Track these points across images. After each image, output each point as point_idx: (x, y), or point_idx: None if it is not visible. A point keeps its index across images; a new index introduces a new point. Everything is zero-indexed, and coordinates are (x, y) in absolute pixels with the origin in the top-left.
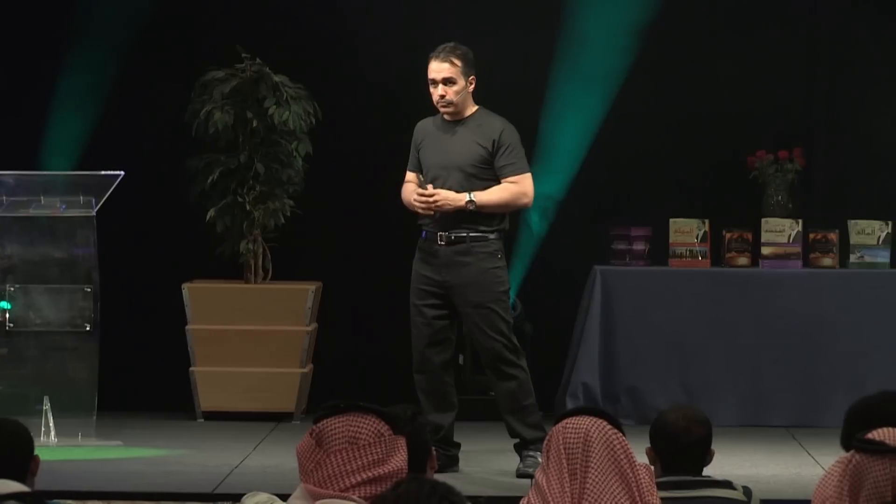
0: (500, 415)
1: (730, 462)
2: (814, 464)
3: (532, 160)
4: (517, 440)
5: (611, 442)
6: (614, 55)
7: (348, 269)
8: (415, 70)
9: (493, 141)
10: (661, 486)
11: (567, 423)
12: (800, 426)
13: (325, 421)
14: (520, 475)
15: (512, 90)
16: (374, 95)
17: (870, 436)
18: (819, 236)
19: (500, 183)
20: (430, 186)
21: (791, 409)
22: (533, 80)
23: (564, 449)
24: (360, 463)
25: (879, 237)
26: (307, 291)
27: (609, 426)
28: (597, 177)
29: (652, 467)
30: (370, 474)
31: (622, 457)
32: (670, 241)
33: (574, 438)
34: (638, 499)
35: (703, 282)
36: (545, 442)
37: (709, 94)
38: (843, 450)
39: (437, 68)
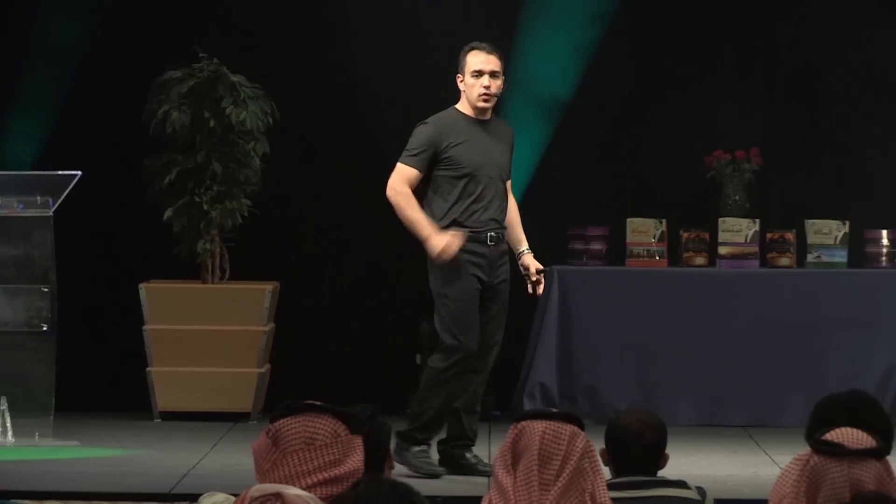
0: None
1: (687, 461)
2: (771, 463)
3: None
4: (468, 441)
5: (586, 455)
6: (572, 54)
7: (305, 269)
8: (372, 69)
9: (511, 145)
10: (614, 487)
11: (546, 429)
12: (757, 426)
13: (281, 421)
14: (480, 472)
15: None
16: (331, 95)
17: (828, 436)
18: (776, 236)
19: None
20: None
21: (748, 409)
22: None
23: (539, 455)
24: (316, 463)
25: (837, 237)
26: (264, 291)
27: (587, 439)
28: (554, 176)
29: (605, 468)
30: (327, 475)
31: (589, 470)
32: (627, 240)
33: (554, 448)
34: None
35: (660, 282)
36: (511, 439)
37: (666, 94)
38: (805, 444)
39: (487, 59)
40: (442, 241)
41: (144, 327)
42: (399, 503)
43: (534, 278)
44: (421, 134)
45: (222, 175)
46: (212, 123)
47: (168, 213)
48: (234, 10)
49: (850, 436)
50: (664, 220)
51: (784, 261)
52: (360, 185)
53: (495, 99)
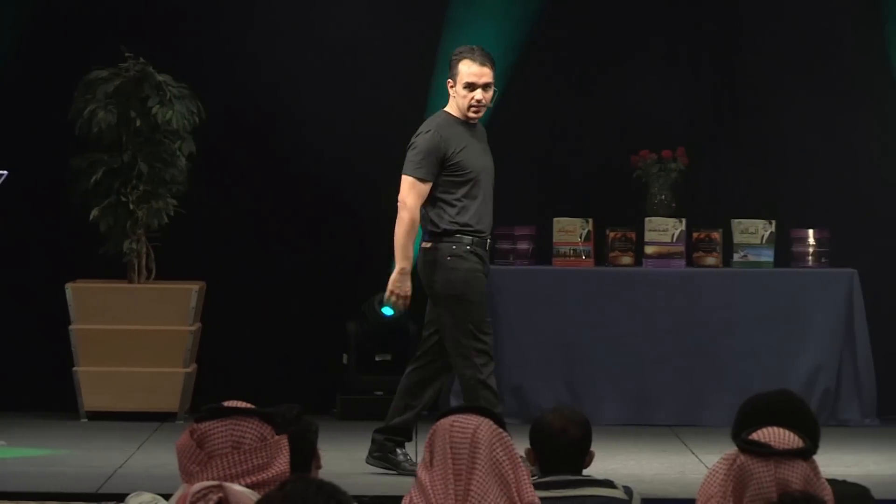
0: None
1: (614, 460)
2: (697, 462)
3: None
4: (406, 440)
5: (496, 442)
6: (498, 55)
7: (232, 269)
8: (297, 69)
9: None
10: (541, 487)
11: (454, 422)
12: (683, 425)
13: (207, 423)
14: (406, 470)
15: (396, 90)
16: (257, 94)
17: (754, 436)
18: (702, 235)
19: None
20: None
21: (675, 408)
22: (417, 79)
23: (451, 448)
24: (244, 467)
25: (763, 236)
26: (191, 291)
27: (496, 427)
28: None
29: (533, 467)
30: (255, 478)
31: (505, 458)
32: (554, 240)
33: (461, 438)
34: (517, 500)
35: (587, 281)
36: (428, 437)
37: (593, 94)
38: (731, 444)
39: (480, 72)
40: (407, 284)
41: (71, 327)
42: (326, 502)
43: None
44: (427, 143)
45: (148, 174)
46: (138, 123)
47: (94, 212)
48: (160, 9)
49: (777, 435)
50: (591, 220)
51: (710, 260)
52: (287, 185)
53: (484, 110)
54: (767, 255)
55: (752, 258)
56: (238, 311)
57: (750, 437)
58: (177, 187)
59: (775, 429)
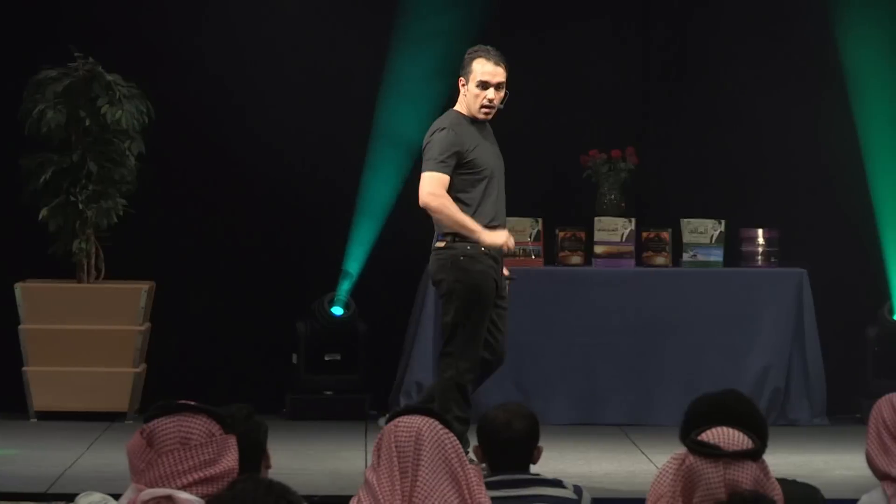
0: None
1: (563, 460)
2: (647, 462)
3: (369, 159)
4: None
5: (442, 441)
6: (448, 54)
7: (181, 269)
8: (247, 69)
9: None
10: (490, 486)
11: (399, 422)
12: (633, 424)
13: (155, 421)
14: None
15: (347, 90)
16: (206, 94)
17: (703, 436)
18: (652, 235)
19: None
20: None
21: (624, 408)
22: (369, 78)
23: (396, 447)
24: (191, 463)
25: (712, 236)
26: (140, 291)
27: (440, 426)
28: None
29: (483, 465)
30: (202, 474)
31: (453, 456)
32: None
33: (405, 437)
34: (468, 498)
35: (536, 281)
36: (376, 441)
37: (542, 93)
38: (681, 444)
39: (495, 71)
40: (501, 235)
41: (20, 327)
42: (276, 502)
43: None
44: (445, 140)
45: (98, 174)
46: (87, 123)
47: (43, 212)
48: (110, 8)
49: (726, 436)
50: (540, 220)
51: (660, 260)
52: (236, 185)
53: (495, 111)
54: (717, 255)
55: (701, 258)
56: (187, 311)
57: (699, 438)
58: (126, 187)
59: (725, 429)
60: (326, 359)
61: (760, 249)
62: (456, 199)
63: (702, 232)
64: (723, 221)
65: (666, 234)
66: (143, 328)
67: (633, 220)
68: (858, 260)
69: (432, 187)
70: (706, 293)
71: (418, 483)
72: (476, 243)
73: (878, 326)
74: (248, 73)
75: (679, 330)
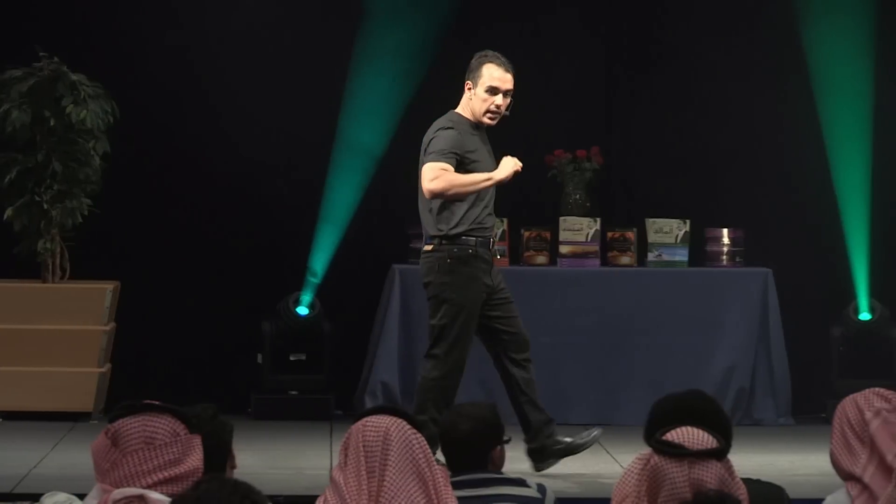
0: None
1: (528, 459)
2: (612, 461)
3: (334, 159)
4: (551, 424)
5: (409, 442)
6: (411, 54)
7: (146, 269)
8: (212, 68)
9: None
10: (454, 486)
11: (367, 422)
12: (598, 424)
13: (120, 421)
14: (577, 447)
15: (312, 89)
16: (171, 94)
17: (668, 436)
18: (617, 235)
19: None
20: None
21: (590, 408)
22: (331, 80)
23: (363, 447)
24: (156, 463)
25: (677, 236)
26: (105, 291)
27: (408, 426)
28: (395, 175)
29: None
30: (166, 474)
31: (420, 457)
32: None
33: (373, 437)
34: (434, 499)
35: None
36: (343, 440)
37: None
38: (646, 444)
39: (505, 79)
40: (507, 167)
41: None
42: (241, 502)
43: None
44: (449, 138)
45: (63, 174)
46: (52, 122)
47: (8, 212)
48: (74, 8)
49: (691, 436)
50: (505, 219)
51: (625, 260)
52: (201, 184)
53: (500, 117)
54: (682, 255)
55: (666, 258)
56: (152, 311)
57: (664, 438)
58: (91, 187)
59: (690, 429)
60: (291, 359)
61: (725, 249)
62: (448, 202)
63: (667, 232)
64: (688, 221)
65: (631, 234)
66: (108, 328)
67: (598, 219)
68: (823, 260)
69: (432, 173)
70: (671, 293)
71: (385, 483)
72: (465, 245)
73: (842, 326)
74: (213, 74)
75: (644, 330)
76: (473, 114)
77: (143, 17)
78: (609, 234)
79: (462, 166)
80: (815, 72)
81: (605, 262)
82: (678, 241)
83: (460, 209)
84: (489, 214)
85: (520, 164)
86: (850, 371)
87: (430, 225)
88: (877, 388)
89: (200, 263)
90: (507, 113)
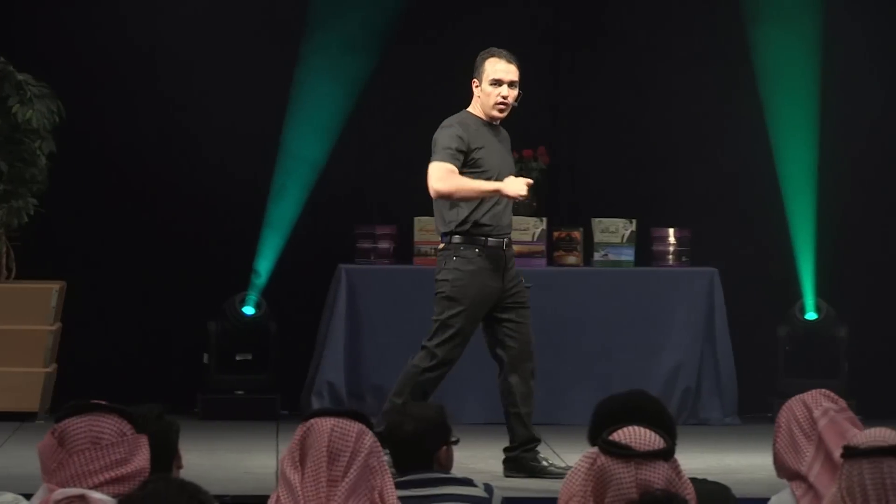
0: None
1: (475, 459)
2: (559, 461)
3: (278, 157)
4: (536, 443)
5: (374, 452)
6: (357, 53)
7: (92, 269)
8: (158, 71)
9: (510, 150)
10: (400, 486)
11: (335, 426)
12: (544, 423)
13: (66, 421)
14: (552, 473)
15: (260, 90)
16: (118, 94)
17: (615, 436)
18: (563, 234)
19: None
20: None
21: (536, 407)
22: (277, 80)
23: (328, 452)
24: (102, 463)
25: (623, 235)
26: (51, 290)
27: (375, 437)
28: (342, 175)
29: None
30: (113, 474)
31: (376, 466)
32: (415, 239)
33: (342, 445)
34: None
35: None
36: (300, 433)
37: (452, 92)
38: (589, 446)
39: (507, 69)
40: (517, 187)
41: None
42: (188, 502)
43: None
44: (451, 135)
45: (8, 174)
46: None
47: None
48: (19, 8)
49: (638, 435)
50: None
51: (571, 259)
52: (148, 184)
53: (510, 108)
54: (628, 255)
55: (612, 257)
56: (99, 311)
57: (610, 438)
58: (37, 186)
59: (636, 428)
60: (238, 358)
61: (671, 249)
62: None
63: (613, 231)
64: (634, 221)
65: (577, 234)
66: (54, 328)
67: (544, 219)
68: (769, 259)
69: (438, 174)
70: (617, 293)
71: (338, 491)
72: (471, 244)
73: (789, 326)
74: (159, 76)
75: (590, 329)
76: (484, 109)
77: (89, 18)
78: (555, 234)
79: (465, 160)
80: (761, 71)
81: (551, 262)
82: (624, 240)
83: (468, 206)
84: (503, 214)
85: (529, 182)
86: (796, 371)
87: (441, 222)
88: (823, 390)
89: (146, 263)
90: (516, 104)
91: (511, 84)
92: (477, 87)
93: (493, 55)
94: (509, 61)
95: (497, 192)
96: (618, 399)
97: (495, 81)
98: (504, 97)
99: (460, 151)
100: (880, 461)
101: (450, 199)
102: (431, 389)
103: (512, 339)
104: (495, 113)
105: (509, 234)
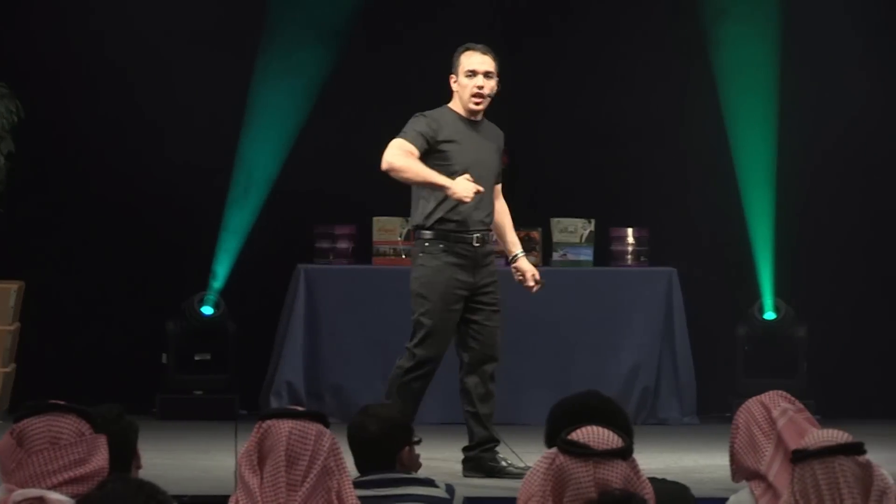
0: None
1: (435, 459)
2: (518, 461)
3: (236, 158)
4: (495, 443)
5: (332, 453)
6: (316, 54)
7: (51, 268)
8: (118, 69)
9: (500, 148)
10: (361, 486)
11: (293, 428)
12: (503, 423)
13: (25, 421)
14: (511, 474)
15: (216, 92)
16: (77, 94)
17: (573, 435)
18: (522, 234)
19: None
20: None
21: (495, 406)
22: (234, 80)
23: (286, 455)
24: (61, 463)
25: (582, 235)
26: (9, 290)
27: (334, 439)
28: (301, 175)
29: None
30: (72, 474)
31: (334, 468)
32: (374, 239)
33: (301, 448)
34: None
35: (406, 280)
36: (257, 434)
37: (409, 92)
38: (546, 448)
39: (482, 60)
40: (466, 189)
41: None
42: (146, 502)
43: (530, 283)
44: (418, 122)
45: None
46: None
47: None
48: None
49: (596, 435)
50: (409, 219)
51: (530, 259)
52: (107, 184)
53: (489, 100)
54: (586, 255)
55: (571, 257)
56: (57, 311)
57: (569, 437)
58: None
59: (595, 428)
60: (196, 358)
61: (630, 249)
62: (424, 192)
63: (571, 231)
64: (593, 221)
65: (536, 234)
66: (12, 328)
67: None
68: (728, 259)
69: (394, 149)
70: (576, 292)
71: (298, 495)
72: (435, 239)
73: (747, 326)
74: (118, 74)
75: (549, 329)
76: (462, 104)
77: (48, 19)
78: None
79: (432, 150)
80: (719, 70)
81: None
82: (583, 240)
83: (432, 201)
84: (472, 210)
85: (479, 189)
86: (755, 370)
87: (412, 217)
88: (780, 391)
89: (105, 263)
90: (491, 95)
91: (487, 75)
92: (454, 81)
93: (468, 48)
94: (484, 53)
95: (443, 188)
96: (573, 400)
97: (470, 72)
98: (479, 87)
99: (424, 137)
100: (832, 460)
101: (394, 175)
102: (420, 389)
103: (475, 340)
104: (472, 105)
105: (485, 230)
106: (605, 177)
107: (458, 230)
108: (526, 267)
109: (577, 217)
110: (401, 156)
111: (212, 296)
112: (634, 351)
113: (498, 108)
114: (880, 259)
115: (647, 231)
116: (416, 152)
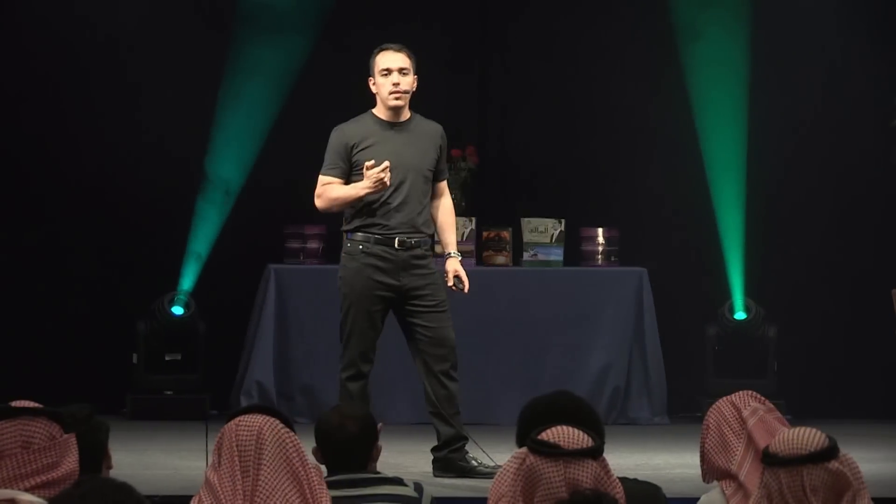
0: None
1: (405, 458)
2: (488, 461)
3: (206, 156)
4: (464, 441)
5: (283, 441)
6: (286, 51)
7: (19, 268)
8: (83, 66)
9: (440, 146)
10: (331, 486)
11: (240, 421)
12: (474, 423)
13: None
14: (481, 473)
15: (181, 93)
16: (41, 95)
17: (543, 435)
18: (492, 234)
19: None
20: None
21: (465, 407)
22: (204, 76)
23: (237, 446)
24: (33, 467)
25: (553, 235)
26: None
27: (281, 425)
28: (271, 174)
29: (322, 467)
30: (44, 478)
31: (294, 456)
32: None
33: (246, 436)
34: (310, 498)
35: None
36: (217, 440)
37: None
38: (517, 448)
39: (395, 57)
40: (368, 181)
41: None
42: (126, 501)
43: (450, 283)
44: (331, 142)
45: None
46: None
47: None
48: None
49: (566, 435)
50: None
51: (500, 259)
52: (74, 183)
53: (407, 96)
54: (557, 254)
55: (541, 257)
56: (26, 311)
57: (539, 437)
58: None
59: (565, 428)
60: (167, 358)
61: (600, 249)
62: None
63: (542, 231)
64: (563, 221)
65: (506, 234)
66: None
67: (473, 219)
68: (698, 259)
69: (318, 190)
70: (546, 292)
71: (260, 483)
72: (354, 241)
73: (718, 326)
74: (82, 71)
75: (519, 329)
76: (383, 104)
77: (21, 12)
78: (484, 234)
79: (352, 161)
80: (690, 71)
81: (480, 262)
82: (553, 240)
83: (350, 210)
84: (394, 213)
85: (382, 176)
86: (726, 370)
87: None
88: (750, 391)
89: (75, 262)
90: (409, 91)
91: (401, 71)
92: (373, 83)
93: (381, 49)
94: (397, 50)
95: (358, 195)
96: (542, 401)
97: (384, 71)
98: (395, 84)
99: (339, 157)
100: (798, 469)
101: (334, 212)
102: (357, 391)
103: (424, 343)
104: (392, 102)
105: (412, 233)
106: (575, 177)
107: (378, 233)
108: (449, 268)
109: (547, 217)
110: (323, 197)
111: (182, 296)
112: (605, 351)
113: (469, 106)
114: (850, 260)
115: (618, 231)
116: (337, 180)
